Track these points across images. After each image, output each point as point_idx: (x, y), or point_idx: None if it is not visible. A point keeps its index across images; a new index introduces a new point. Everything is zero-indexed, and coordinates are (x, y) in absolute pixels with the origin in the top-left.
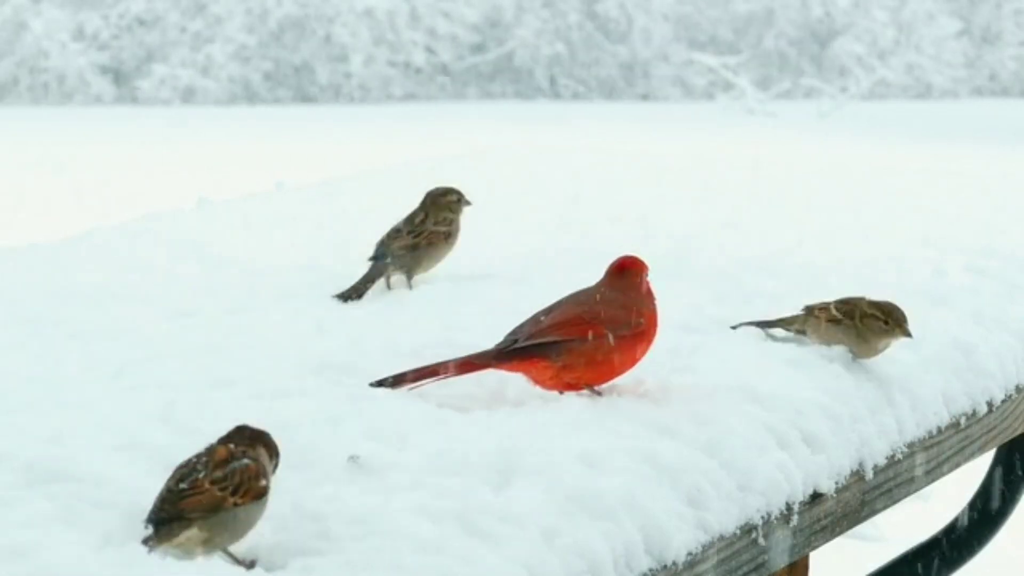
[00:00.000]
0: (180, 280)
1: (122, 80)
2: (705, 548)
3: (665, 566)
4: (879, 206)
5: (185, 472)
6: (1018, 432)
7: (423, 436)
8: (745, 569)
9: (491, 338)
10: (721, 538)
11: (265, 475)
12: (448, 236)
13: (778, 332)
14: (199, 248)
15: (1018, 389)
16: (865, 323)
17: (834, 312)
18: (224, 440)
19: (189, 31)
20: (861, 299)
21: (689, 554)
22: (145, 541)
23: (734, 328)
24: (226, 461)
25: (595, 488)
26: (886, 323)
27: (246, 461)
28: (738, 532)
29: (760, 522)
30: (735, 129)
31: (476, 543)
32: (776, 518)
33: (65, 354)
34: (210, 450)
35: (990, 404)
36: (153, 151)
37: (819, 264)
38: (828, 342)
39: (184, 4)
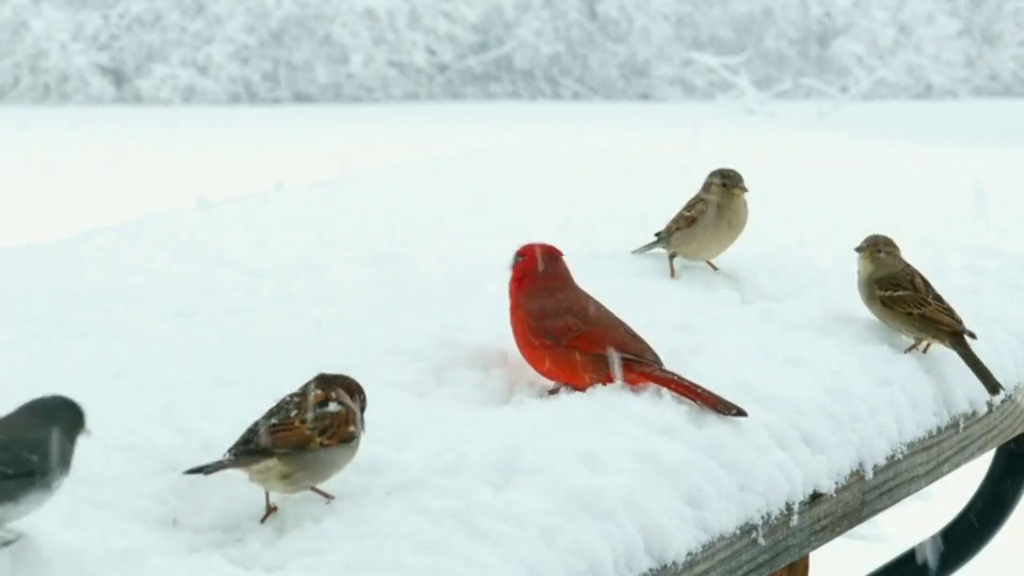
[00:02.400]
0: (180, 280)
1: (122, 80)
2: (705, 548)
3: (665, 566)
4: (879, 206)
5: (277, 410)
6: (1018, 432)
7: (423, 436)
8: (745, 569)
9: (491, 338)
10: (721, 538)
11: (354, 422)
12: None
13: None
14: (199, 248)
15: (1018, 389)
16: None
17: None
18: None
19: (189, 31)
20: None
21: (689, 554)
22: (207, 468)
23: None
24: (321, 404)
25: (595, 488)
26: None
27: (338, 407)
28: (738, 532)
29: (760, 522)
30: (735, 129)
31: (476, 543)
32: (776, 518)
33: (65, 354)
34: (306, 391)
35: (990, 404)
36: (153, 151)
37: (819, 264)
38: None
39: (184, 4)
